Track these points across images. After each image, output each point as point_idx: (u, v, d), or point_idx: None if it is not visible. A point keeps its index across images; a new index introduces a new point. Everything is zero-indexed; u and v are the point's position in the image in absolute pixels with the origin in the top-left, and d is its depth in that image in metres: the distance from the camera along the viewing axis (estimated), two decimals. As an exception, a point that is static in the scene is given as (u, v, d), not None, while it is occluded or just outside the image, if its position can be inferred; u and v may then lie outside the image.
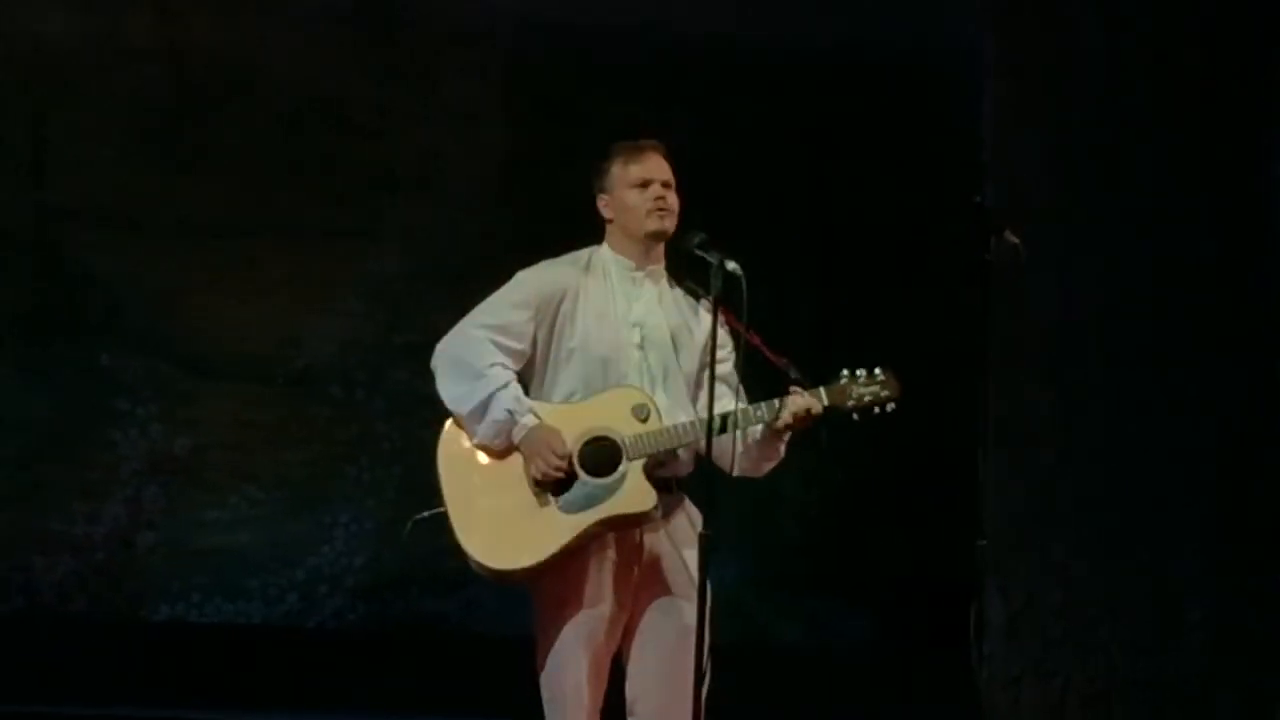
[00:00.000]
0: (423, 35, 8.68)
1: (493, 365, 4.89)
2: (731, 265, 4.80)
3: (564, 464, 4.81)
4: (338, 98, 8.63)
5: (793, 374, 4.89)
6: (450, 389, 4.92)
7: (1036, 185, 7.90)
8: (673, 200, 4.99)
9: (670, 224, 4.99)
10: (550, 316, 4.96)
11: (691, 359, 4.98)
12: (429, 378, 5.02)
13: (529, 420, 4.85)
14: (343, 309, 8.55)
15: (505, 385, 4.87)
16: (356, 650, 8.34)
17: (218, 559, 8.37)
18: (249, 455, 8.44)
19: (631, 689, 4.96)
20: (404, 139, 8.66)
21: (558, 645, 4.87)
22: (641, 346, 4.96)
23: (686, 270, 5.08)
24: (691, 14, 8.69)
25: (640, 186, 4.97)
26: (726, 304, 4.84)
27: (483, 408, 4.85)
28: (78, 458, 8.33)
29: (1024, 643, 7.75)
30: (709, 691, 4.74)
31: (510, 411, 4.84)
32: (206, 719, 7.83)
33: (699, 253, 4.88)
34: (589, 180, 5.07)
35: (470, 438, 4.90)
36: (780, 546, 8.60)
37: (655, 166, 4.99)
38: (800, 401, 4.85)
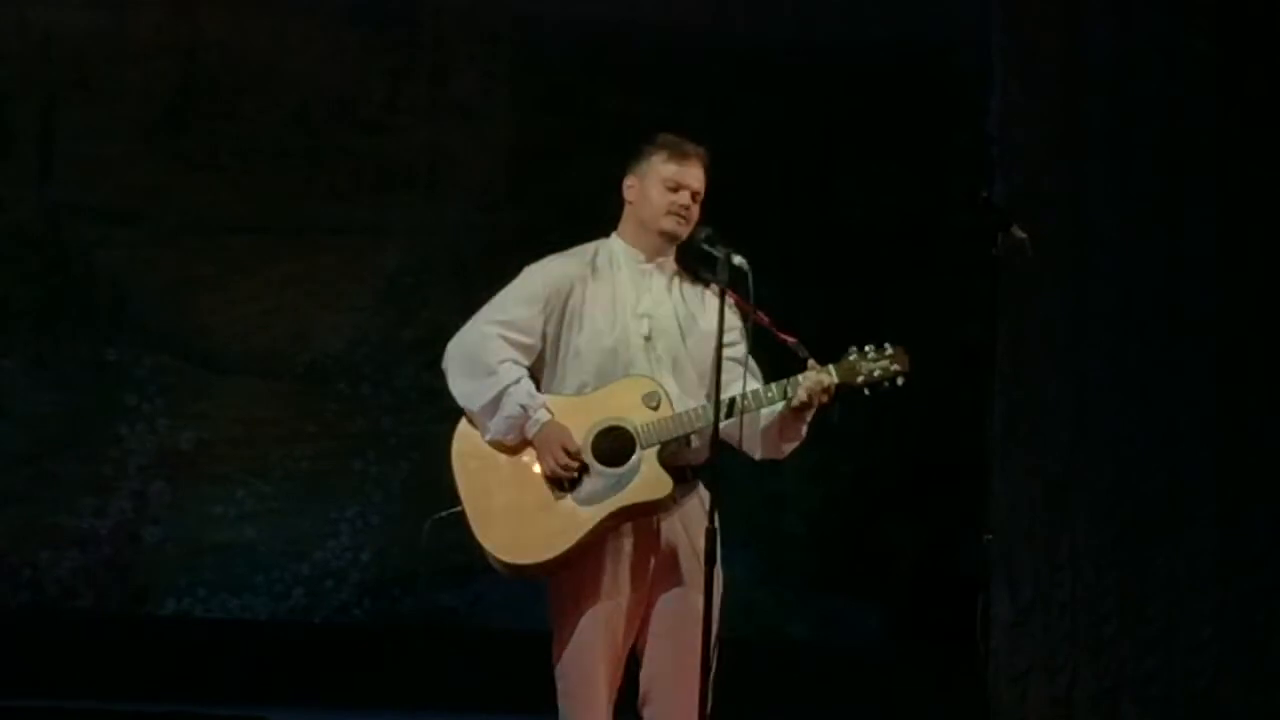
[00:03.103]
0: (432, 32, 8.68)
1: (504, 361, 4.90)
2: (738, 259, 4.82)
3: (575, 462, 4.82)
4: (347, 94, 8.63)
5: (801, 353, 4.89)
6: (462, 386, 4.92)
7: (1046, 181, 7.89)
8: (695, 211, 5.01)
9: (685, 231, 5.00)
10: (559, 310, 4.96)
11: (700, 347, 4.99)
12: (436, 373, 5.02)
13: (542, 415, 4.85)
14: (350, 305, 8.55)
15: (517, 381, 4.88)
16: (362, 645, 8.34)
17: (224, 553, 8.37)
18: (256, 450, 8.44)
19: (646, 679, 4.96)
20: (412, 135, 8.66)
21: (576, 636, 4.87)
22: (650, 337, 4.97)
23: (694, 264, 5.08)
24: (700, 11, 8.69)
25: (671, 189, 4.98)
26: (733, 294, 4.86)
27: (495, 404, 4.86)
28: (85, 452, 8.34)
29: (1032, 638, 7.74)
30: (719, 685, 4.74)
31: (524, 406, 4.85)
32: (212, 714, 7.82)
33: (705, 247, 4.91)
34: (625, 160, 5.06)
35: (483, 435, 4.89)
36: (789, 542, 8.59)
37: (692, 174, 4.99)
38: (813, 377, 4.84)
